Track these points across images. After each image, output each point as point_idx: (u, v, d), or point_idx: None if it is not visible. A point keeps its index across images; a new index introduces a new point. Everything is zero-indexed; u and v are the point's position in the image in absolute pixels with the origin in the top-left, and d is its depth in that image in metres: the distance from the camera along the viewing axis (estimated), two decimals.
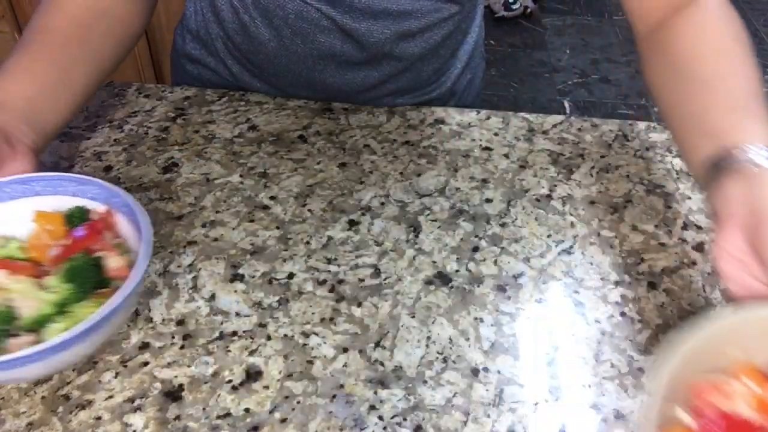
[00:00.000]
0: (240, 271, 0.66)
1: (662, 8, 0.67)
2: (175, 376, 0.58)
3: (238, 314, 0.62)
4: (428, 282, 0.66)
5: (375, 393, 0.56)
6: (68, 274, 0.54)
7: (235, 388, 0.57)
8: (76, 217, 0.59)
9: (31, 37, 0.70)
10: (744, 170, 0.52)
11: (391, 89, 0.87)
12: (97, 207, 0.59)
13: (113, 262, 0.55)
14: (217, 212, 0.72)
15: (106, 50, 0.74)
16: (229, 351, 0.59)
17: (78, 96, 0.71)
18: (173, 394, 0.57)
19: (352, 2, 0.76)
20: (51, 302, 0.52)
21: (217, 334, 0.61)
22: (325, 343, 0.60)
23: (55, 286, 0.54)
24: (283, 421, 0.55)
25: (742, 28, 0.64)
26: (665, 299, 0.65)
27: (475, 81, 0.98)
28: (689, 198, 0.75)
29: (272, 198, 0.74)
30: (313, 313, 0.63)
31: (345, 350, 0.60)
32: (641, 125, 0.85)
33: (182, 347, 0.60)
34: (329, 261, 0.67)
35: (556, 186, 0.76)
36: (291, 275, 0.66)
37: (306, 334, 0.61)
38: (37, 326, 0.52)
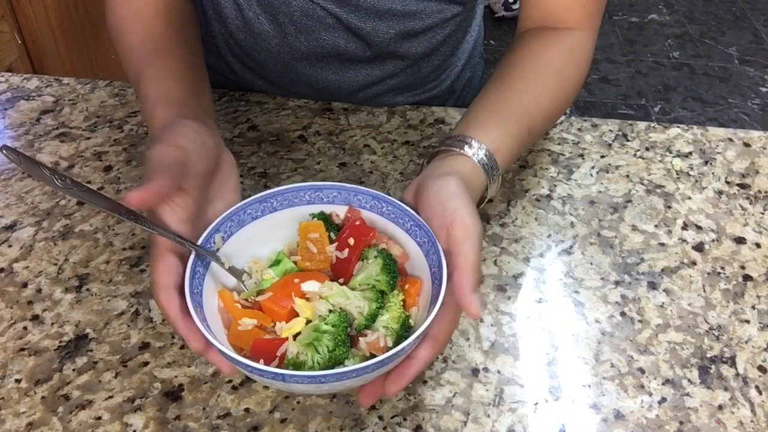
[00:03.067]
0: None
1: (540, 21, 0.75)
2: (175, 376, 0.58)
3: None
4: None
5: None
6: (385, 268, 0.54)
7: (235, 388, 0.57)
8: (324, 222, 0.59)
9: (144, 48, 0.69)
10: (452, 153, 0.60)
11: (391, 85, 0.87)
12: (335, 209, 0.59)
13: (396, 251, 0.56)
14: None
15: (195, 36, 0.74)
16: None
17: (206, 80, 0.70)
18: (173, 394, 0.57)
19: (358, 2, 0.76)
20: (373, 298, 0.53)
21: None
22: None
23: (362, 284, 0.54)
24: (283, 421, 0.55)
25: (576, 72, 0.73)
26: (665, 299, 0.65)
27: (474, 80, 0.99)
28: (689, 198, 0.75)
29: None
30: None
31: None
32: (641, 125, 0.85)
33: (182, 347, 0.60)
34: None
35: (556, 186, 0.76)
36: None
37: None
38: (370, 323, 0.52)
